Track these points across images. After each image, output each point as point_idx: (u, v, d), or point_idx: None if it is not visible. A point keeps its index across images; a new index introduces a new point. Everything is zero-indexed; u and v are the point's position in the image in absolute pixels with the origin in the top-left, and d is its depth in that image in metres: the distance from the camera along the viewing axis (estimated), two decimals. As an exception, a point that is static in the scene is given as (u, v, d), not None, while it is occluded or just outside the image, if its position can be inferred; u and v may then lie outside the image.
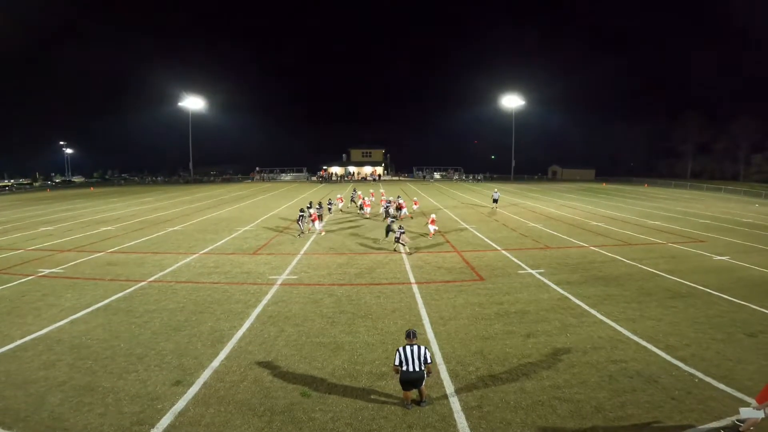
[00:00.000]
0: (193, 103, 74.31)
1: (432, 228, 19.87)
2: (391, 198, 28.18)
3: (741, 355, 7.78)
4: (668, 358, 7.70)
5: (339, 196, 34.32)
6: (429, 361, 6.09)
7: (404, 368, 6.02)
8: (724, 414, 5.92)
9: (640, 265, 14.35)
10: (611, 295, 11.23)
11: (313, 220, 19.99)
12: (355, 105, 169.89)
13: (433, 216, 20.93)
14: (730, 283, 12.29)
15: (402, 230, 16.65)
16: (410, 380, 6.05)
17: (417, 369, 6.00)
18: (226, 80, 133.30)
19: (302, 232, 19.97)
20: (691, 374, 7.11)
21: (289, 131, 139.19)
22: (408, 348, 6.09)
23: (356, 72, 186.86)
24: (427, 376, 6.19)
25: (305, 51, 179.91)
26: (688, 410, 6.05)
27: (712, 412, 6.02)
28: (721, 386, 6.72)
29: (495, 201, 31.48)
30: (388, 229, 18.06)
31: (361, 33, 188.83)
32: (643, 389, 6.65)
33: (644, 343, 8.31)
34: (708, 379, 6.94)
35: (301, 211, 20.42)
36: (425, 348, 6.16)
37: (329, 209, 27.78)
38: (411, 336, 6.24)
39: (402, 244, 16.58)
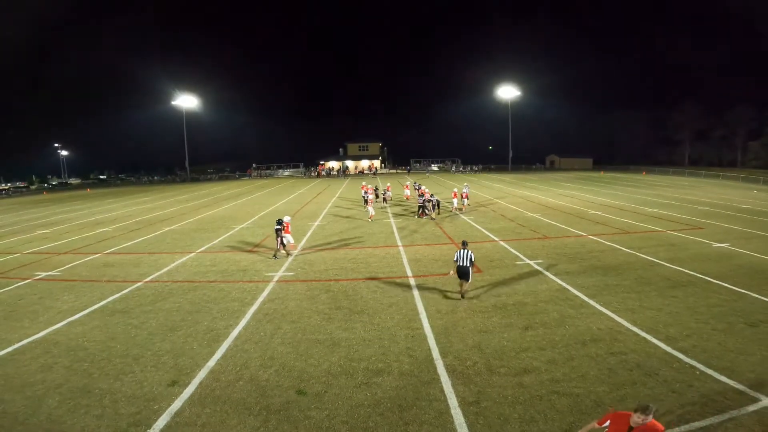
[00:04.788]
0: (188, 101, 74.03)
1: (465, 201, 25.07)
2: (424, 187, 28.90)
3: (742, 346, 7.66)
4: (669, 349, 7.59)
5: (388, 185, 35.64)
6: (473, 260, 9.86)
7: (458, 264, 9.88)
8: (727, 408, 5.82)
9: (639, 254, 14.27)
10: (610, 285, 11.15)
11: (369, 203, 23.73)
12: (351, 99, 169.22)
13: (465, 191, 25.97)
14: (730, 271, 12.19)
15: (369, 197, 24.95)
16: (461, 272, 9.92)
17: (465, 264, 9.80)
18: (220, 77, 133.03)
19: (277, 254, 15.01)
20: (692, 366, 7.00)
21: (286, 127, 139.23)
22: (462, 251, 9.88)
23: (352, 66, 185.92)
24: (473, 271, 10.20)
25: (301, 46, 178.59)
26: (690, 404, 5.95)
27: (714, 405, 5.91)
28: (723, 378, 6.60)
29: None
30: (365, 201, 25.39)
31: (357, 27, 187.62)
32: (644, 382, 6.55)
33: (644, 334, 8.22)
34: (710, 372, 6.81)
35: (279, 223, 14.69)
36: (472, 252, 9.90)
37: (384, 199, 30.19)
38: (464, 244, 10.12)
39: (370, 207, 23.61)
